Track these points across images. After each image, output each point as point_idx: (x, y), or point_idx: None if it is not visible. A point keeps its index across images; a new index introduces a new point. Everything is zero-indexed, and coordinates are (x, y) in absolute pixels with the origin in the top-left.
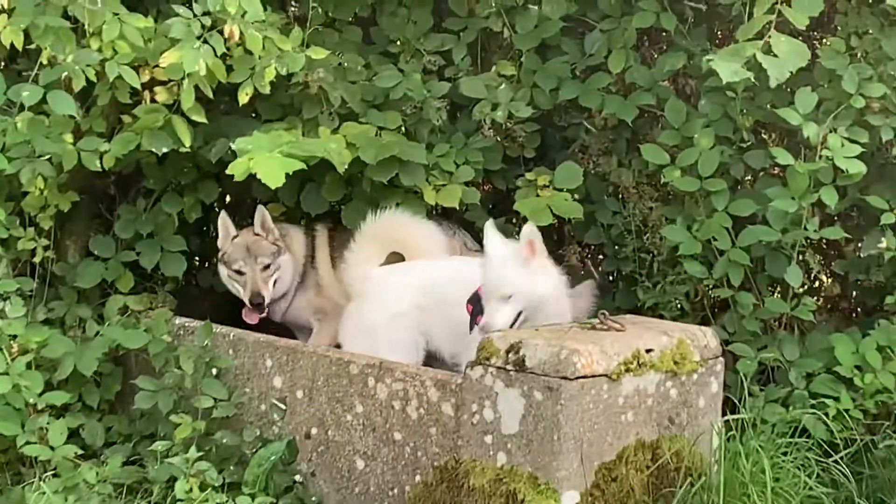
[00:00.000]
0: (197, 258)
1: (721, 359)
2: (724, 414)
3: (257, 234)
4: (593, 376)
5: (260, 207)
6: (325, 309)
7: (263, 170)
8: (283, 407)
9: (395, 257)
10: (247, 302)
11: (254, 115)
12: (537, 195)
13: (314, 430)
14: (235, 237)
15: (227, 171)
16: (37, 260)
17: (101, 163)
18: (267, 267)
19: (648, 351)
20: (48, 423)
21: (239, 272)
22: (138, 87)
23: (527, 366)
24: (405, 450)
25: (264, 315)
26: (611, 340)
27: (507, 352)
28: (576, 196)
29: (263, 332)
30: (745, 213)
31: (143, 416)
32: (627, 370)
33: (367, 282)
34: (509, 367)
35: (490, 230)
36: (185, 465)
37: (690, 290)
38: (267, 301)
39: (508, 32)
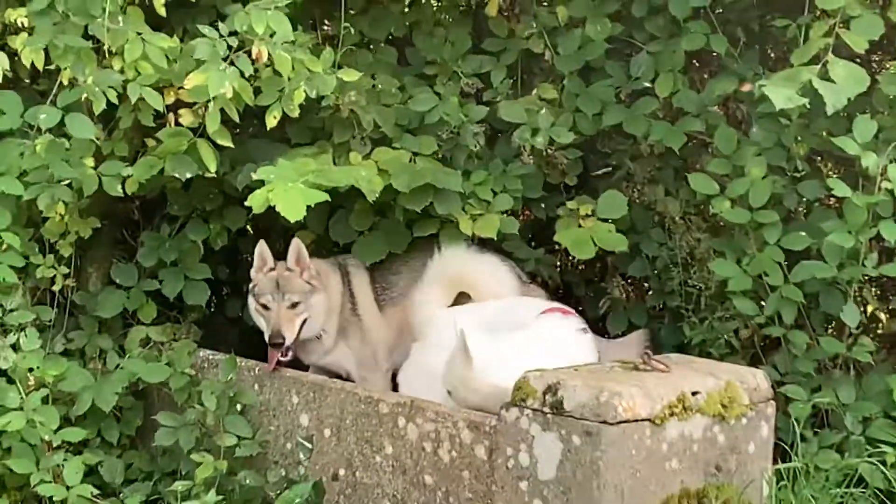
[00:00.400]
0: (224, 287)
1: (772, 402)
2: (775, 461)
3: (290, 270)
4: (636, 421)
5: (295, 240)
6: (370, 360)
7: (283, 202)
8: (309, 446)
9: (467, 297)
10: (266, 340)
11: (283, 139)
12: (579, 225)
13: (342, 472)
14: (271, 270)
15: (246, 203)
16: (56, 288)
17: (123, 188)
18: (295, 305)
19: (695, 394)
20: (64, 461)
21: (265, 307)
22: (162, 109)
23: (565, 408)
24: (436, 494)
25: (286, 358)
26: (654, 382)
27: (545, 393)
28: (620, 227)
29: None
30: (799, 248)
31: (164, 453)
32: (672, 414)
33: (431, 324)
34: (546, 409)
35: None
36: None
37: (740, 328)
38: (288, 342)
39: (550, 54)
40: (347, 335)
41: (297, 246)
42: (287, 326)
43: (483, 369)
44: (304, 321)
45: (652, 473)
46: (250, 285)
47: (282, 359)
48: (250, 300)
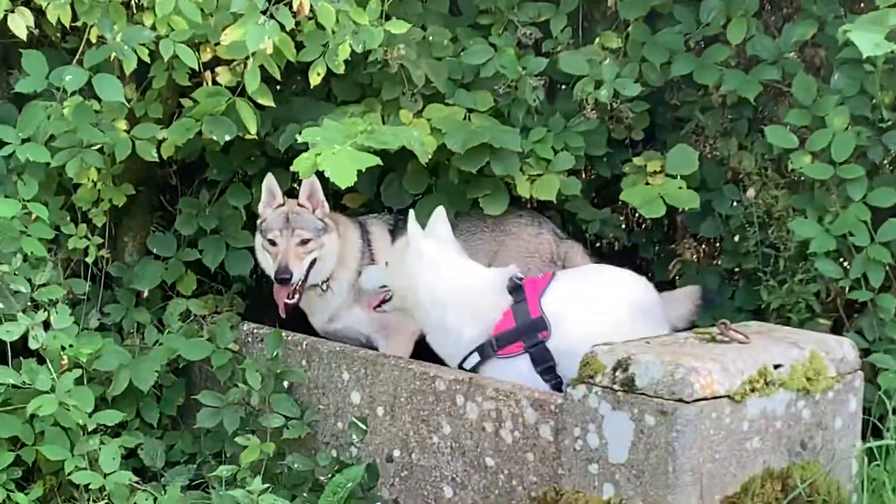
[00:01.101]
0: None
1: (860, 372)
2: (864, 436)
3: (301, 205)
4: (713, 398)
5: (312, 178)
6: (393, 322)
7: (332, 167)
8: (363, 426)
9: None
10: (272, 276)
11: (329, 96)
12: (647, 183)
13: (397, 453)
14: (280, 205)
15: (292, 168)
16: (89, 260)
17: (158, 152)
18: (305, 242)
19: (777, 367)
20: (100, 446)
21: (273, 242)
22: (197, 67)
23: (637, 385)
24: (499, 478)
25: (293, 302)
26: (733, 355)
27: (614, 369)
28: (690, 183)
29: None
30: (886, 204)
31: (208, 433)
32: (753, 390)
33: None
34: (616, 386)
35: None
36: (249, 500)
37: (822, 290)
38: (296, 279)
39: (613, 0)
40: (363, 298)
41: (310, 182)
42: (295, 262)
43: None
44: (314, 261)
45: (731, 454)
46: (258, 221)
47: (288, 301)
48: (257, 237)
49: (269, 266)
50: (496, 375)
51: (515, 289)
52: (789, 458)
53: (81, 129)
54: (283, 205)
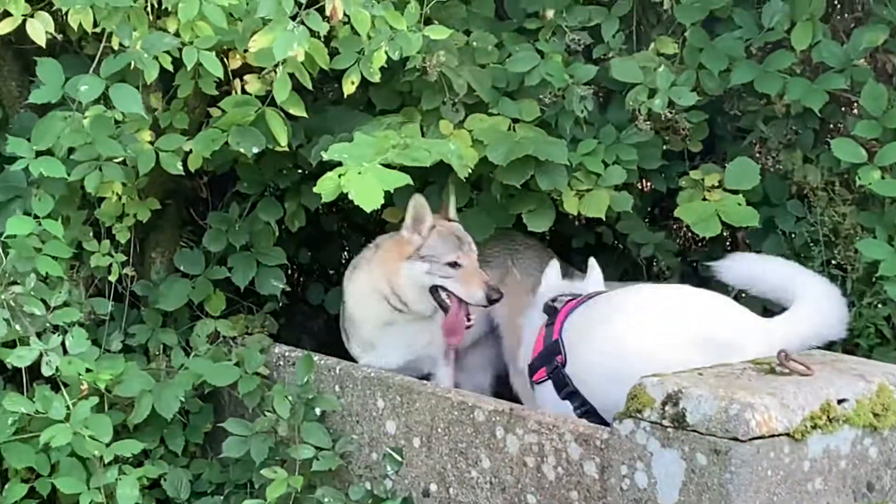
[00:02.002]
0: (302, 273)
1: None
2: None
3: (453, 220)
4: (771, 436)
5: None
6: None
7: (356, 188)
8: (399, 458)
9: None
10: (478, 301)
11: (367, 105)
12: (704, 199)
13: (433, 487)
14: (433, 227)
15: (315, 190)
16: (112, 278)
17: (185, 165)
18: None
19: (841, 401)
20: (120, 477)
21: (455, 264)
22: (221, 76)
23: (688, 422)
24: None
25: (471, 324)
26: (793, 389)
27: (664, 403)
28: (751, 199)
29: None
30: None
31: (237, 462)
32: (815, 427)
33: None
34: (666, 422)
35: None
36: None
37: (893, 315)
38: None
39: (669, 3)
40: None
41: (449, 198)
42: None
43: None
44: None
45: (791, 497)
46: (411, 249)
47: (469, 324)
48: (420, 266)
49: (452, 293)
50: (538, 403)
51: (550, 310)
52: (855, 499)
53: (99, 141)
54: (434, 226)
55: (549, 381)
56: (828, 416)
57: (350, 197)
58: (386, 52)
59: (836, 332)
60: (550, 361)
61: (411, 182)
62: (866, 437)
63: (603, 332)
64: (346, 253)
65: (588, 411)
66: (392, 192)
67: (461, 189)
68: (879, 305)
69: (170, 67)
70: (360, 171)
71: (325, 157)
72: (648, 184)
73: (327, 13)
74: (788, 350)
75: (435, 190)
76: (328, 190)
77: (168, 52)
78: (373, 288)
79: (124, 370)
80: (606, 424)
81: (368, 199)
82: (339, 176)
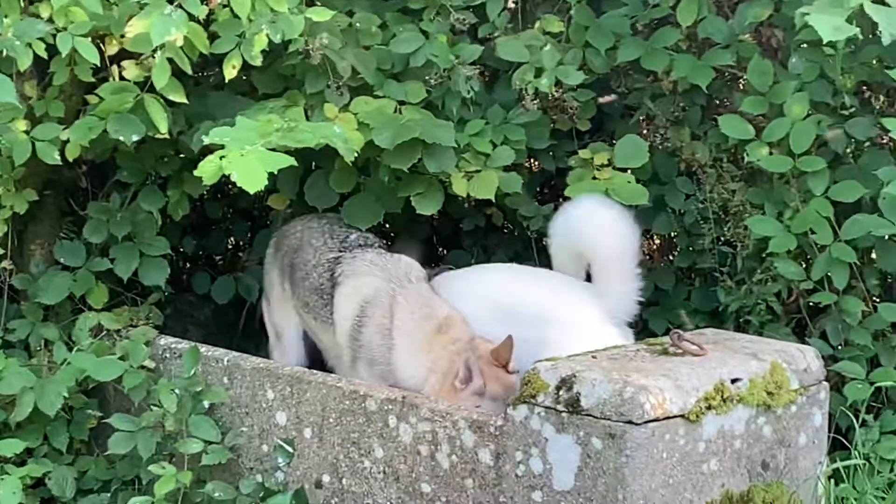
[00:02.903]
0: (188, 262)
1: (825, 383)
2: (830, 452)
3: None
4: (666, 418)
5: None
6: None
7: (239, 170)
8: (290, 449)
9: None
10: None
11: (249, 90)
12: (594, 177)
13: (326, 478)
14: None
15: (195, 173)
16: None
17: (62, 154)
18: None
19: (734, 381)
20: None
21: None
22: (97, 62)
23: (582, 406)
24: None
25: None
26: (687, 370)
27: (558, 388)
28: (640, 177)
29: None
30: (850, 199)
31: (124, 457)
32: (709, 408)
33: None
34: (560, 406)
35: None
36: None
37: (783, 291)
38: None
39: None
40: None
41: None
42: None
43: None
44: None
45: (687, 478)
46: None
47: None
48: None
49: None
50: None
51: None
52: (750, 479)
53: None
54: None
55: None
56: (722, 397)
57: (233, 179)
58: (267, 36)
59: None
60: None
61: (296, 164)
62: (760, 416)
63: None
64: (231, 239)
65: None
66: (277, 177)
67: (348, 173)
68: (769, 282)
69: (44, 54)
70: (242, 154)
71: (207, 141)
72: (537, 164)
73: None
74: (681, 331)
75: (321, 175)
76: (209, 173)
77: (42, 39)
78: None
79: (4, 367)
80: None
81: (251, 180)
82: (221, 158)
